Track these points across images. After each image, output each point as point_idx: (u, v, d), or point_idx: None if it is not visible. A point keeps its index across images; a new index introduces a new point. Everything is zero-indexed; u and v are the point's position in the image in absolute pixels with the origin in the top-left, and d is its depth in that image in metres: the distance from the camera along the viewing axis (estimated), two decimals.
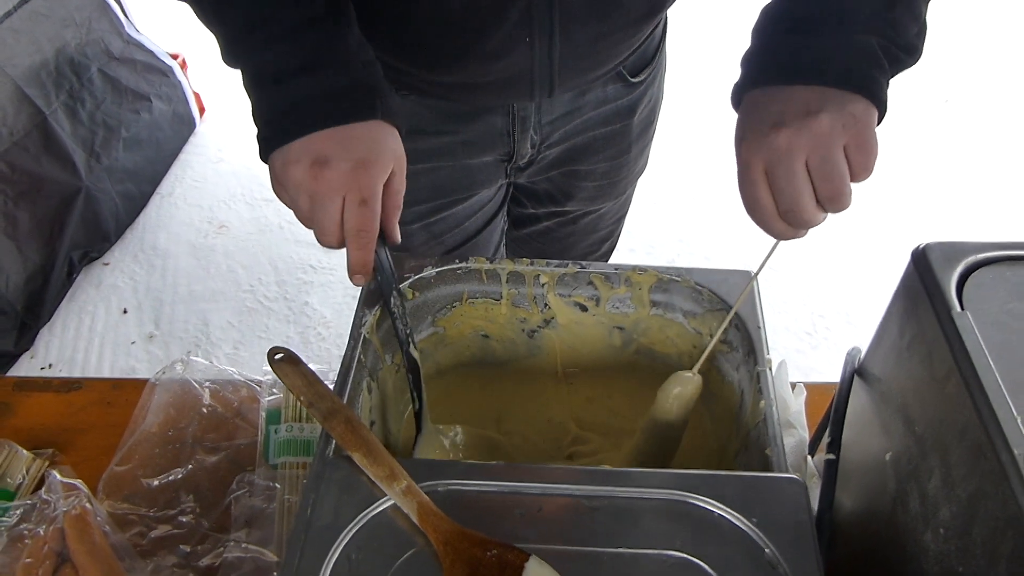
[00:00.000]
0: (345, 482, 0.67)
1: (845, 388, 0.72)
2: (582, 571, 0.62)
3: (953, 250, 0.63)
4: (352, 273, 0.73)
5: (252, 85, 0.72)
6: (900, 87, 0.72)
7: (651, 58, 1.03)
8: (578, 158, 1.08)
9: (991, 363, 0.55)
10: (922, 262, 0.63)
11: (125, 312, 2.33)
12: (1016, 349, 0.57)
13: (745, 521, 0.65)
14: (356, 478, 0.68)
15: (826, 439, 0.72)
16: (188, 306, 2.32)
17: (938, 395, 0.59)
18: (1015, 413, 0.52)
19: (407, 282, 0.85)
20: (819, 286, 2.39)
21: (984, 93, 3.20)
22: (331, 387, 0.73)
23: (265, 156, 0.72)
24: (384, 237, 0.76)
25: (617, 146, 1.09)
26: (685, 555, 0.63)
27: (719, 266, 0.85)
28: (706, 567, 0.62)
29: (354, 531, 0.65)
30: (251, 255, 2.48)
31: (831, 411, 0.74)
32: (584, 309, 0.88)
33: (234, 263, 2.45)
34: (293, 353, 0.75)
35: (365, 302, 0.82)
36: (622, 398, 0.92)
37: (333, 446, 0.70)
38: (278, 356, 0.75)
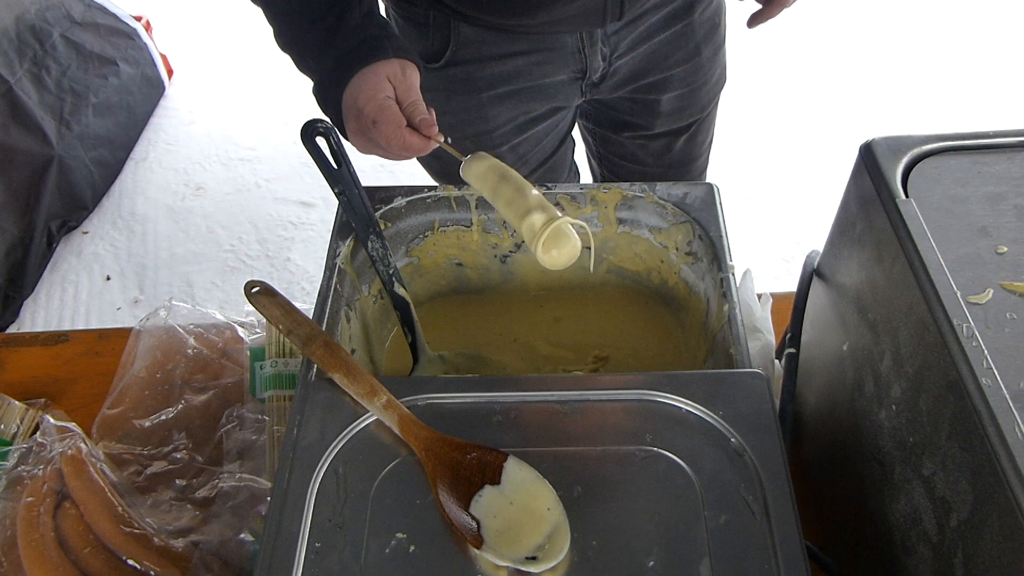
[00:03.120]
0: (328, 402, 0.70)
1: (804, 286, 0.75)
2: (558, 467, 0.65)
3: (898, 143, 0.66)
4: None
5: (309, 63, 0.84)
6: None
7: None
8: (650, 67, 1.11)
9: (933, 245, 0.58)
10: (868, 156, 0.65)
11: (108, 279, 2.33)
12: (957, 231, 0.60)
13: (711, 414, 0.68)
14: (338, 398, 0.70)
15: (787, 335, 0.75)
16: (171, 269, 2.33)
17: (887, 280, 0.62)
18: (955, 288, 0.55)
19: (378, 212, 0.86)
20: (799, 216, 2.42)
21: None
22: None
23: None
24: (356, 183, 0.79)
25: (684, 48, 1.11)
26: (655, 448, 0.67)
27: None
28: (675, 458, 0.66)
29: (339, 447, 0.68)
30: (230, 215, 2.48)
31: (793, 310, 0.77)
32: None
33: (213, 224, 2.45)
34: (269, 285, 0.77)
35: (338, 233, 0.84)
36: (594, 316, 0.95)
37: (315, 370, 0.72)
38: (255, 289, 0.77)
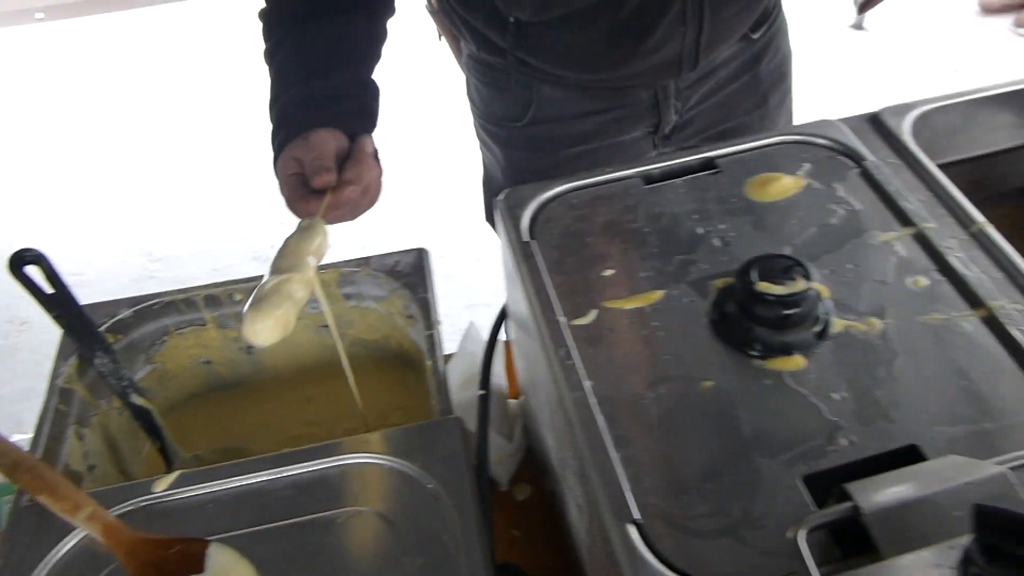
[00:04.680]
0: (38, 525, 0.71)
1: (493, 334, 0.81)
2: (264, 546, 0.68)
3: (529, 192, 0.73)
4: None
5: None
6: None
7: (769, 14, 1.10)
8: (719, 118, 1.13)
9: (546, 279, 0.65)
10: (504, 205, 0.73)
11: None
12: (573, 262, 0.67)
13: (409, 465, 0.72)
14: (50, 519, 0.71)
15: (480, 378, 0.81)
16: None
17: (525, 316, 0.68)
18: (559, 314, 0.62)
19: (104, 327, 0.88)
20: None
21: None
22: None
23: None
24: (74, 303, 0.81)
25: (752, 98, 1.14)
26: (359, 508, 0.70)
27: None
28: (376, 513, 0.70)
29: (49, 567, 0.68)
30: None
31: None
32: None
33: (43, 357, 2.38)
34: None
35: (60, 354, 0.86)
36: (345, 390, 0.98)
37: (28, 496, 0.73)
38: None
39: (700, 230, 0.68)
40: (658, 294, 0.64)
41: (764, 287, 0.58)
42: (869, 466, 0.52)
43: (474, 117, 1.16)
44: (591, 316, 0.63)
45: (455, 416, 0.76)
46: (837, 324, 0.60)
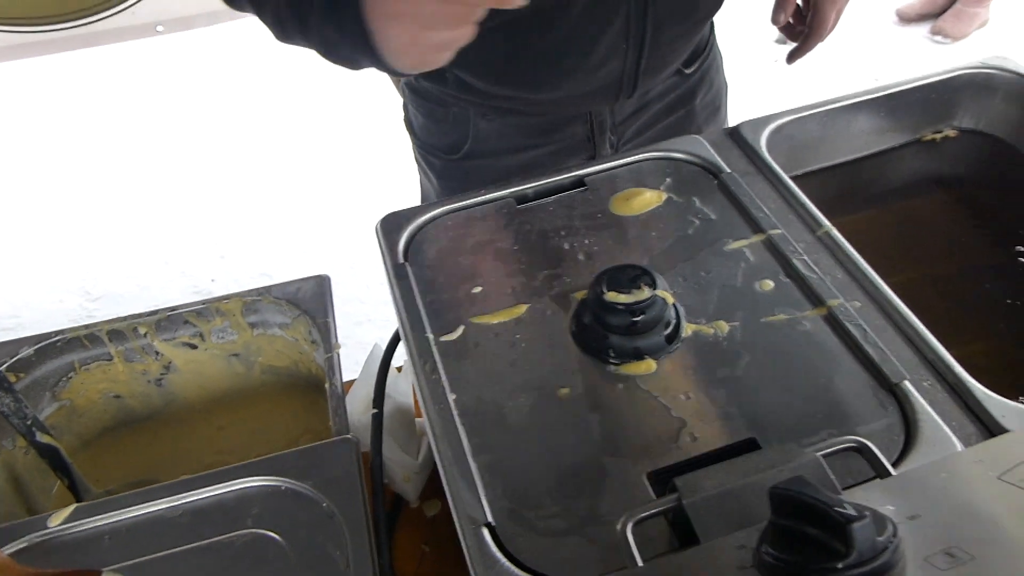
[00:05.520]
0: None
1: (386, 355, 0.84)
2: (161, 572, 0.70)
3: (405, 216, 0.76)
4: None
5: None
6: None
7: (703, 49, 1.09)
8: None
9: (418, 300, 0.68)
10: (381, 231, 0.76)
11: None
12: (445, 281, 0.70)
13: (305, 486, 0.74)
14: None
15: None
16: None
17: (399, 327, 0.71)
18: (428, 332, 0.65)
19: (4, 366, 0.89)
20: None
21: None
22: None
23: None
24: None
25: (687, 132, 1.10)
26: (255, 530, 0.72)
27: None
28: (272, 534, 0.71)
29: None
30: None
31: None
32: (194, 347, 0.96)
33: None
34: None
35: None
36: (257, 417, 1.00)
37: None
38: None
39: (566, 245, 0.72)
40: (523, 308, 0.67)
41: (612, 297, 0.61)
42: (711, 459, 0.55)
43: (412, 141, 1.16)
44: (459, 332, 0.66)
45: (348, 436, 0.79)
46: (688, 328, 0.64)
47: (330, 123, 2.94)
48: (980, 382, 0.58)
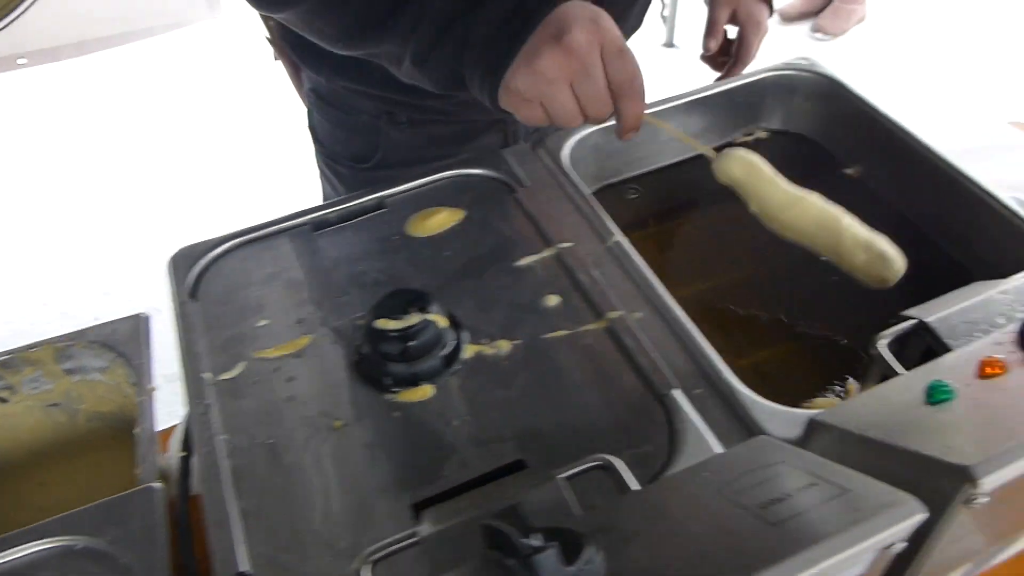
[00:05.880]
0: None
1: None
2: None
3: (193, 251, 0.74)
4: (628, 131, 0.68)
5: (436, 39, 0.67)
6: None
7: None
8: None
9: (199, 341, 0.65)
10: (171, 268, 0.73)
11: None
12: (230, 317, 0.68)
13: (102, 542, 0.71)
14: None
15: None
16: None
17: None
18: (202, 372, 0.62)
19: None
20: None
21: None
22: None
23: (496, 91, 0.67)
24: None
25: None
26: None
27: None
28: None
29: None
30: None
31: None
32: (4, 401, 0.91)
33: None
34: None
35: None
36: (82, 469, 0.95)
37: None
38: None
39: (358, 271, 0.70)
40: (306, 340, 0.65)
41: (382, 324, 0.59)
42: (477, 485, 0.54)
43: (316, 149, 1.11)
44: (238, 369, 0.63)
45: (152, 484, 0.75)
46: (469, 350, 0.63)
47: (213, 147, 2.87)
48: (765, 388, 0.59)
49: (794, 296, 0.77)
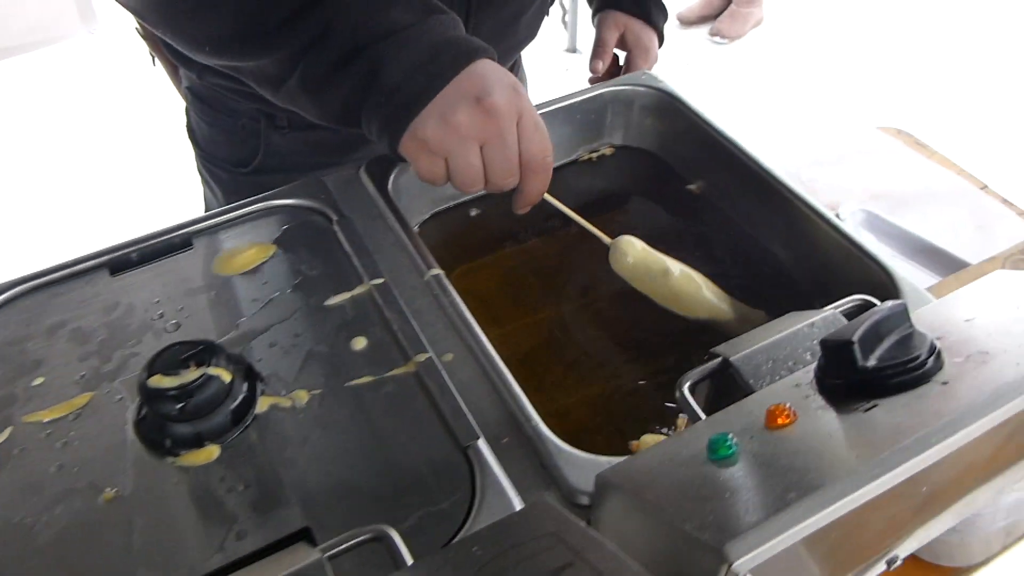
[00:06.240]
0: None
1: None
2: None
3: None
4: (527, 204, 0.67)
5: (337, 67, 0.62)
6: None
7: (513, 72, 1.04)
8: None
9: None
10: None
11: None
12: (5, 372, 0.61)
13: None
14: None
15: None
16: None
17: None
18: None
19: None
20: None
21: None
22: None
23: (399, 136, 0.62)
24: None
25: None
26: None
27: None
28: None
29: None
30: None
31: None
32: None
33: None
34: None
35: None
36: None
37: None
38: None
39: (153, 317, 0.64)
40: (86, 398, 0.59)
41: (156, 381, 0.54)
42: (259, 558, 0.49)
43: (196, 153, 1.05)
44: (4, 435, 0.57)
45: None
46: (263, 402, 0.58)
47: (91, 162, 2.73)
48: (583, 428, 0.55)
49: (634, 326, 0.75)
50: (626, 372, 0.71)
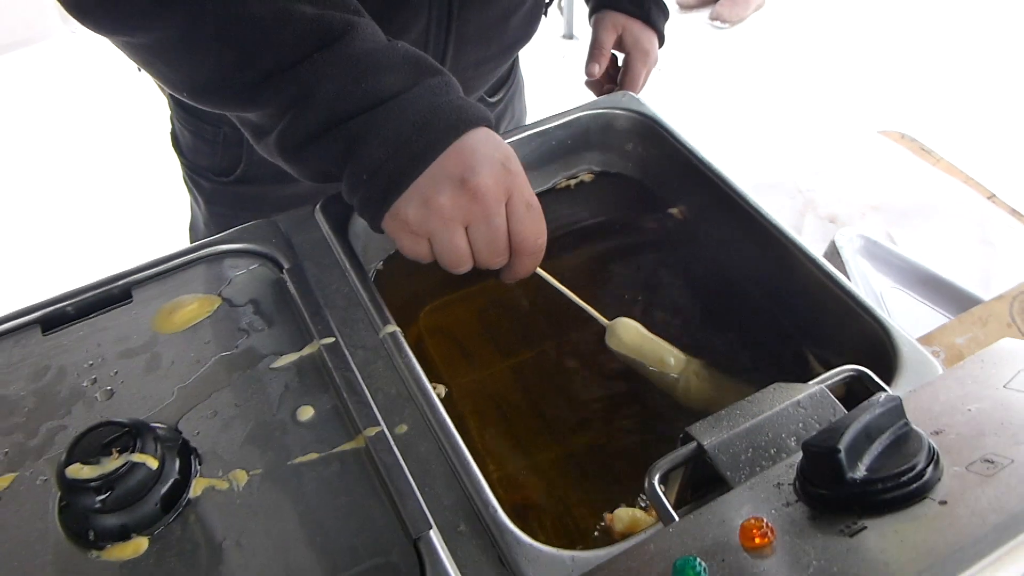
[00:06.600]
0: None
1: None
2: None
3: None
4: (515, 279, 0.63)
5: (321, 131, 0.57)
6: None
7: (506, 78, 1.02)
8: None
9: None
10: None
11: None
12: None
13: None
14: None
15: None
16: None
17: None
18: None
19: None
20: None
21: None
22: None
23: (380, 216, 0.59)
24: None
25: None
26: None
27: None
28: None
29: None
30: None
31: None
32: None
33: None
34: None
35: None
36: None
37: None
38: None
39: (85, 383, 0.59)
40: (7, 480, 0.54)
41: (74, 471, 0.49)
42: None
43: (180, 162, 1.02)
44: None
45: None
46: (198, 485, 0.53)
47: (75, 170, 2.68)
48: (554, 495, 0.50)
49: (615, 376, 0.69)
50: (604, 430, 0.66)
